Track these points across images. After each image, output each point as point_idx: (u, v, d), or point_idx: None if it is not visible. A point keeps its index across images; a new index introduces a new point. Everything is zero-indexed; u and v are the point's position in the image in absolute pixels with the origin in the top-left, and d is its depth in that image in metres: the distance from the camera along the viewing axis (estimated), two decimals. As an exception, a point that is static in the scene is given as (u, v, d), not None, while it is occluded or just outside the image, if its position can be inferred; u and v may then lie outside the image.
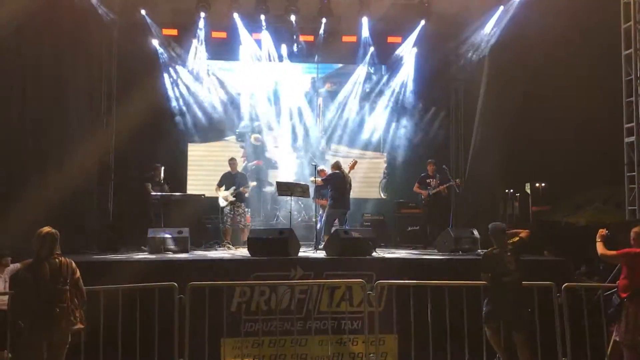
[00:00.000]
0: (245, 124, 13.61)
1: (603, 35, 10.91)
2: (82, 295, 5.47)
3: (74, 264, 5.44)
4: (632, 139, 9.41)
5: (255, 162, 13.12)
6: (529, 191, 17.33)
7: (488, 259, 6.48)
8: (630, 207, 9.46)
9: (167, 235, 9.42)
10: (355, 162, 10.81)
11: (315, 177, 10.50)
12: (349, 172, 10.51)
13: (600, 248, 6.13)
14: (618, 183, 10.03)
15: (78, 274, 5.45)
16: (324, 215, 10.37)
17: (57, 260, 5.28)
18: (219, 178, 11.11)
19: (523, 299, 6.38)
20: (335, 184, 10.17)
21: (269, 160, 13.52)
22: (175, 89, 13.20)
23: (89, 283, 6.49)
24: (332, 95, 13.94)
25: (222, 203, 10.85)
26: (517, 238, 6.64)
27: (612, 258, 6.22)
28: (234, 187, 10.82)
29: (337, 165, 10.47)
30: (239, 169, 11.79)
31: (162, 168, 10.90)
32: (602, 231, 6.17)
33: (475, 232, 10.01)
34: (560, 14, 9.94)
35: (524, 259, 8.52)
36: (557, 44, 11.32)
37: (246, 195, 10.93)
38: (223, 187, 10.92)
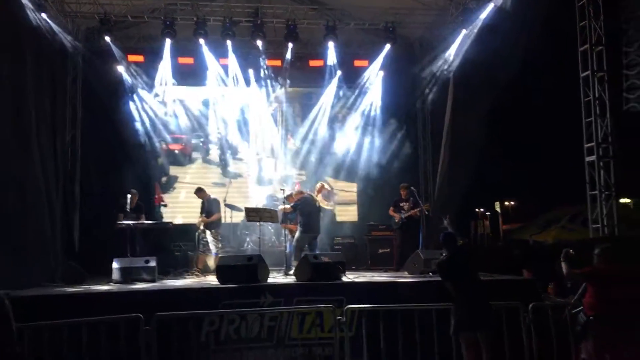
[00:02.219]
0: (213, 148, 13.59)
1: (563, 57, 11.20)
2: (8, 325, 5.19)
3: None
4: (593, 158, 9.63)
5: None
6: (498, 210, 17.55)
7: (442, 267, 6.45)
8: (594, 225, 9.63)
9: (134, 265, 9.24)
10: (322, 186, 10.82)
11: (284, 203, 10.47)
12: (317, 195, 10.51)
13: (565, 268, 6.20)
14: (584, 201, 10.20)
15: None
16: (294, 240, 10.31)
17: None
18: (187, 204, 11.03)
19: (483, 296, 6.29)
20: (304, 209, 10.14)
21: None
22: (142, 115, 13.11)
23: (51, 317, 6.34)
24: (300, 119, 13.98)
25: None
26: (461, 242, 6.73)
27: (578, 277, 6.29)
28: (200, 215, 10.78)
29: (300, 192, 10.49)
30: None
31: (130, 196, 10.67)
32: (567, 250, 6.25)
33: (445, 254, 10.03)
34: (521, 38, 10.17)
35: (494, 278, 8.67)
36: (519, 67, 11.57)
37: (214, 221, 10.83)
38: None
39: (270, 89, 13.68)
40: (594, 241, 8.64)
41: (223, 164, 13.76)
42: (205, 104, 13.67)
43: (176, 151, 13.43)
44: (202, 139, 13.68)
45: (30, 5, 10.26)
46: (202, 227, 10.74)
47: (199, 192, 11.11)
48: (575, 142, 10.45)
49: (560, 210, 15.80)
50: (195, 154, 13.71)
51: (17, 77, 9.65)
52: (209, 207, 10.84)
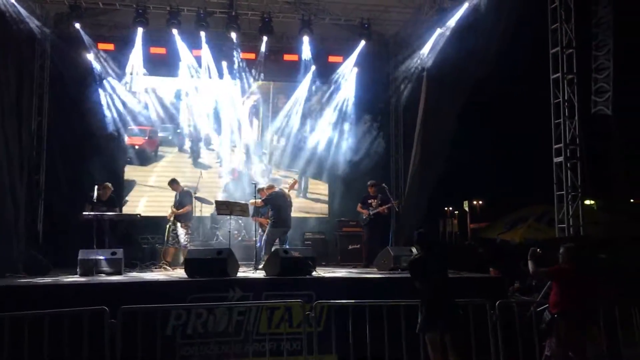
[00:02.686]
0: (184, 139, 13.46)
1: (535, 59, 11.37)
2: None
3: None
4: (560, 159, 9.79)
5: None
6: (467, 209, 17.75)
7: (413, 264, 6.44)
8: (560, 225, 9.80)
9: (100, 257, 9.05)
10: (295, 182, 10.82)
11: (255, 197, 10.41)
12: (289, 191, 10.49)
13: (531, 266, 6.30)
14: (551, 201, 10.37)
15: None
16: (265, 234, 10.25)
17: None
18: (156, 196, 10.87)
19: (451, 298, 6.31)
20: (275, 203, 10.10)
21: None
22: (111, 104, 12.85)
23: (14, 309, 6.18)
24: (274, 113, 13.91)
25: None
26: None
27: (543, 275, 6.41)
28: (171, 206, 10.62)
29: (271, 186, 10.45)
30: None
31: (98, 187, 10.42)
32: (534, 249, 6.34)
33: (415, 250, 10.09)
34: (494, 38, 10.26)
35: (461, 276, 8.76)
36: (492, 66, 11.69)
37: (185, 214, 10.69)
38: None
39: (244, 81, 13.57)
40: (559, 241, 8.80)
41: (195, 156, 13.59)
42: (177, 95, 13.48)
43: (136, 147, 13.19)
44: (171, 131, 13.47)
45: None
46: (172, 219, 10.59)
47: (173, 183, 10.95)
48: (544, 143, 10.62)
49: (527, 210, 16.06)
50: (163, 148, 13.48)
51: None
52: (181, 199, 10.71)
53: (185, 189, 10.98)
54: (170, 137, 13.52)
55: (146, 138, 13.38)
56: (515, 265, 9.16)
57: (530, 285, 8.99)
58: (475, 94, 12.14)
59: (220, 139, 13.58)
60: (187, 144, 13.56)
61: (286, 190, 10.47)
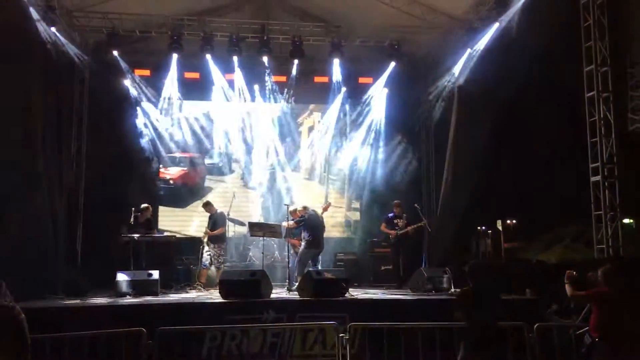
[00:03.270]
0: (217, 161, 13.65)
1: (568, 76, 11.24)
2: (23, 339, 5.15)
3: (16, 309, 5.18)
4: (598, 178, 9.61)
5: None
6: (500, 228, 17.46)
7: (462, 298, 6.28)
8: (598, 246, 9.59)
9: (137, 278, 9.23)
10: (329, 205, 10.86)
11: (288, 219, 10.47)
12: (322, 213, 10.53)
13: (569, 289, 6.16)
14: (588, 220, 10.15)
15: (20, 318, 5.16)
16: (298, 255, 10.27)
17: None
18: (192, 218, 11.02)
19: (499, 342, 6.15)
20: (309, 224, 10.13)
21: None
22: (147, 129, 13.17)
23: (53, 330, 6.32)
24: (305, 134, 14.01)
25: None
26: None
27: (582, 298, 6.26)
28: (205, 229, 10.77)
29: (305, 207, 10.50)
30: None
31: (136, 209, 10.62)
32: (570, 272, 6.21)
33: (448, 271, 10.04)
34: (525, 57, 10.21)
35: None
36: (524, 85, 11.60)
37: (218, 236, 10.82)
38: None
39: (275, 104, 13.74)
40: (598, 262, 8.60)
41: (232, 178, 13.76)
42: (210, 118, 13.71)
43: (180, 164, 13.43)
44: (208, 154, 13.69)
45: (40, 18, 10.38)
46: (206, 240, 10.72)
47: (207, 205, 11.12)
48: (580, 162, 10.44)
49: (563, 229, 15.72)
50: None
51: (26, 90, 9.75)
52: (215, 221, 10.85)
53: (219, 210, 11.12)
54: (218, 164, 13.70)
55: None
56: (552, 287, 8.96)
57: (569, 308, 8.78)
58: (508, 112, 12.05)
59: (251, 161, 13.72)
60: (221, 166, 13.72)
61: (319, 212, 10.50)
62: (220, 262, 10.69)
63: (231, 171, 13.78)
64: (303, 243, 10.17)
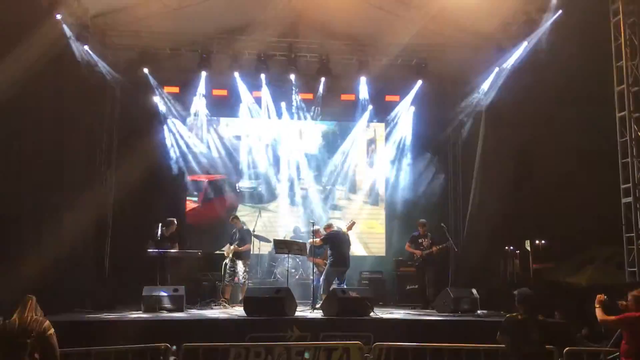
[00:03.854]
0: (246, 183, 13.72)
1: (598, 96, 11.08)
2: (52, 352, 5.23)
3: (46, 323, 5.27)
4: (630, 199, 9.41)
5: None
6: (529, 248, 17.17)
7: (511, 323, 6.10)
8: (630, 269, 9.36)
9: (163, 294, 9.30)
10: (354, 223, 10.80)
11: (312, 237, 10.46)
12: (347, 231, 10.48)
13: (599, 314, 6.02)
14: (619, 242, 9.92)
15: (49, 332, 5.25)
16: (324, 273, 10.23)
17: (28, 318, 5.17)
18: (216, 234, 11.07)
19: None
20: (334, 243, 10.10)
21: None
22: (175, 145, 13.35)
23: (81, 344, 6.40)
24: (331, 151, 14.04)
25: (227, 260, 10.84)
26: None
27: (613, 323, 6.11)
28: (229, 244, 10.80)
29: (330, 225, 10.47)
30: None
31: (162, 224, 10.71)
32: (600, 297, 6.07)
33: (475, 292, 9.91)
34: (555, 76, 10.12)
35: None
36: (552, 104, 11.49)
37: (245, 252, 10.87)
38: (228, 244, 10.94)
39: (302, 121, 13.83)
40: (629, 286, 8.38)
41: (257, 195, 13.82)
42: (237, 135, 13.84)
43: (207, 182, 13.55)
44: (234, 171, 13.78)
45: (74, 37, 10.66)
46: (230, 256, 10.74)
47: (235, 219, 11.18)
48: (611, 182, 10.24)
49: (594, 251, 15.37)
50: (226, 186, 13.74)
51: (58, 108, 10.00)
52: (242, 236, 10.88)
53: (245, 227, 11.17)
54: (231, 176, 13.73)
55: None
56: (583, 310, 8.76)
57: (600, 332, 8.57)
58: (536, 130, 11.92)
59: (278, 178, 13.79)
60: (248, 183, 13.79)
61: (345, 229, 10.47)
62: (245, 278, 10.71)
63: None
64: (329, 261, 10.12)
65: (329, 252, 10.15)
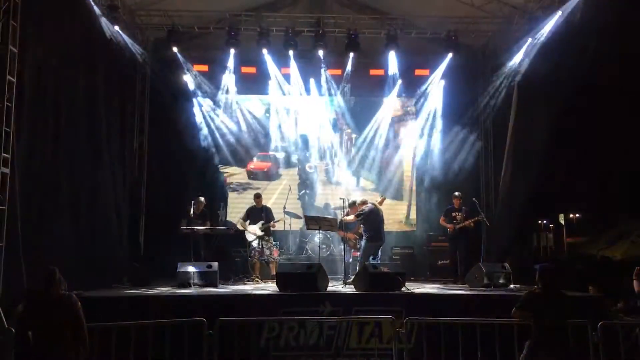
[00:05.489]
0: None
1: (634, 68, 10.77)
2: (80, 329, 5.38)
3: (73, 298, 5.42)
4: (668, 171, 9.21)
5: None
6: (562, 222, 16.98)
7: (530, 298, 6.07)
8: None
9: (196, 270, 9.46)
10: (384, 198, 10.77)
11: (344, 212, 10.48)
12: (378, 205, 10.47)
13: (637, 286, 5.96)
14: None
15: (78, 305, 5.39)
16: (361, 250, 10.22)
17: (54, 294, 5.31)
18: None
19: (567, 347, 5.82)
20: (370, 218, 10.08)
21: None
22: (206, 123, 13.46)
23: (120, 318, 6.59)
24: (360, 127, 13.98)
25: (249, 237, 10.90)
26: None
27: (650, 296, 6.03)
28: (261, 222, 10.89)
29: (365, 201, 10.44)
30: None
31: (195, 202, 10.88)
32: (639, 269, 6.00)
33: (507, 267, 9.84)
34: (589, 48, 9.82)
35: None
36: (587, 78, 11.17)
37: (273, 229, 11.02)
38: (248, 222, 11.00)
39: (331, 97, 13.78)
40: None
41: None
42: (267, 112, 13.89)
43: (238, 159, 13.71)
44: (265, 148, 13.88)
45: (104, 17, 10.77)
46: (261, 233, 10.85)
47: (258, 197, 11.28)
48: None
49: (629, 224, 15.08)
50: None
51: (91, 87, 10.16)
52: (268, 214, 11.01)
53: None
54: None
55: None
56: (618, 284, 8.64)
57: (635, 306, 8.46)
58: (570, 103, 11.64)
59: (308, 154, 13.84)
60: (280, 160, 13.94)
61: (377, 204, 10.45)
62: (273, 255, 10.85)
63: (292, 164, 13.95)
64: (365, 237, 10.10)
65: (363, 228, 10.14)
